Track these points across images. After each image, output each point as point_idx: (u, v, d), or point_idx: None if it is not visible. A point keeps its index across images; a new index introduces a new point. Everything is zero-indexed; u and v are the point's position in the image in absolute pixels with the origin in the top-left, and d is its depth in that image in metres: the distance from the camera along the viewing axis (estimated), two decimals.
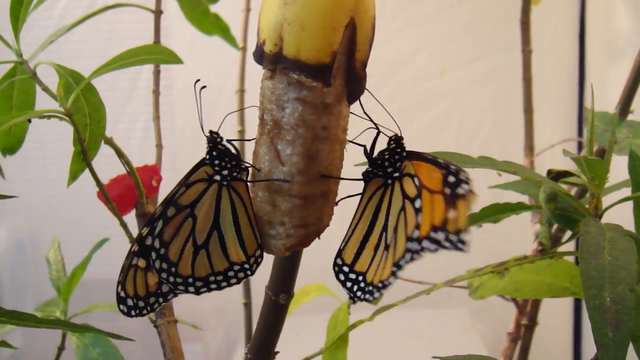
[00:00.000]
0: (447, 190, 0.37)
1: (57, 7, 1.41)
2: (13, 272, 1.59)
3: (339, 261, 0.41)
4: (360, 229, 0.40)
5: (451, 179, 0.37)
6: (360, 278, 0.40)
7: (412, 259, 0.38)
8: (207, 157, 0.39)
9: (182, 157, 1.42)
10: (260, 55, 0.36)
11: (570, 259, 0.58)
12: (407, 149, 0.40)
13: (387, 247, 0.39)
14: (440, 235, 0.37)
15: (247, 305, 0.93)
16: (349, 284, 0.40)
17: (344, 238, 0.40)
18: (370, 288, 0.40)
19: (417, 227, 0.38)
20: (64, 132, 0.53)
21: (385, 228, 0.40)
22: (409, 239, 0.38)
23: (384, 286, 0.40)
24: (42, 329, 0.47)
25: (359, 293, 0.40)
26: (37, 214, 1.56)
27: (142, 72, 1.41)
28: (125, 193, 0.61)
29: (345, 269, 0.40)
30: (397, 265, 0.39)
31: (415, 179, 0.39)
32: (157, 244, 0.39)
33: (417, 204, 0.38)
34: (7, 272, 1.58)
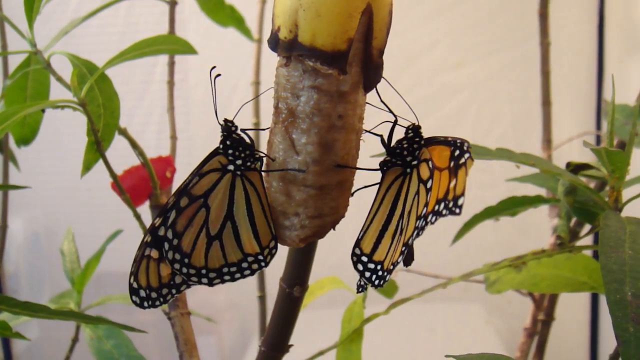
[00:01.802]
0: (452, 164, 0.40)
1: (73, 0, 1.41)
2: (29, 265, 1.60)
3: (357, 251, 0.40)
4: (379, 219, 0.40)
5: (457, 153, 0.40)
6: (379, 267, 0.40)
7: (418, 235, 0.40)
8: (221, 146, 0.39)
9: (197, 150, 1.42)
10: (275, 43, 0.35)
11: (589, 253, 0.58)
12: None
13: (401, 232, 0.40)
14: (441, 206, 0.41)
15: (262, 299, 0.93)
16: (367, 274, 0.40)
17: (362, 227, 0.40)
18: (384, 273, 0.40)
19: (426, 204, 0.39)
20: (80, 124, 0.53)
21: (402, 215, 0.39)
22: (419, 217, 0.40)
23: (394, 267, 0.40)
24: (57, 320, 0.47)
25: (377, 282, 0.40)
26: (52, 206, 1.57)
27: (157, 64, 1.41)
28: (139, 184, 0.61)
29: (364, 258, 0.40)
30: (406, 245, 0.40)
31: (430, 162, 0.39)
32: (169, 234, 0.39)
33: (429, 184, 0.39)
34: (23, 264, 1.59)
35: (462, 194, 0.41)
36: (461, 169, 0.40)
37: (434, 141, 0.40)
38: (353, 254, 0.40)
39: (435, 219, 0.41)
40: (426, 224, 0.41)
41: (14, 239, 1.54)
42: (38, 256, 1.62)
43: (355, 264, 0.40)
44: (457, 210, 0.41)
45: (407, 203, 0.39)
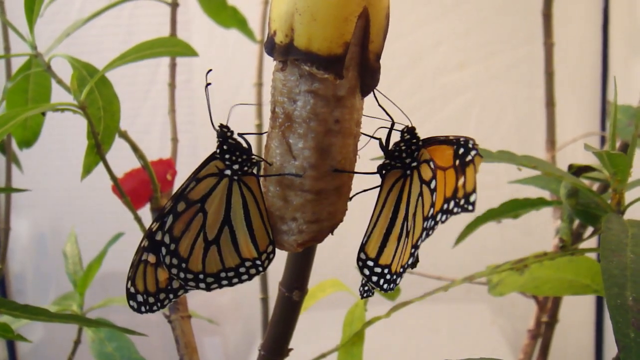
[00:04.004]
0: (457, 162, 0.40)
1: (77, 2, 1.41)
2: (35, 265, 1.61)
3: (363, 256, 0.40)
4: (382, 222, 0.39)
5: (461, 150, 0.40)
6: (386, 271, 0.40)
7: (427, 235, 0.40)
8: (218, 151, 0.39)
9: (201, 150, 1.42)
10: (271, 47, 0.35)
11: (592, 256, 0.57)
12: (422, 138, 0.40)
13: (407, 234, 0.39)
14: (451, 205, 0.41)
15: (264, 300, 0.93)
16: (374, 278, 0.40)
17: (366, 232, 0.40)
18: (395, 277, 0.40)
19: (432, 205, 0.39)
20: (84, 126, 0.53)
21: (406, 217, 0.39)
22: (426, 218, 0.39)
23: (404, 269, 0.40)
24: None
25: (385, 285, 0.40)
26: (58, 208, 1.57)
27: (160, 65, 1.41)
28: (140, 187, 0.61)
29: (370, 263, 0.40)
30: (415, 246, 0.40)
31: (431, 163, 0.39)
32: (167, 239, 0.39)
33: (432, 184, 0.39)
34: (29, 265, 1.60)
35: (474, 191, 0.41)
36: (469, 167, 0.41)
37: (433, 141, 0.40)
38: (358, 259, 0.40)
39: (446, 218, 0.41)
40: (435, 223, 0.41)
41: (20, 239, 1.55)
42: (44, 257, 1.62)
43: (361, 269, 0.40)
44: (470, 207, 0.41)
45: (411, 205, 0.39)
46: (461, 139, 0.40)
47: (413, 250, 0.40)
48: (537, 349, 0.77)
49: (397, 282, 0.40)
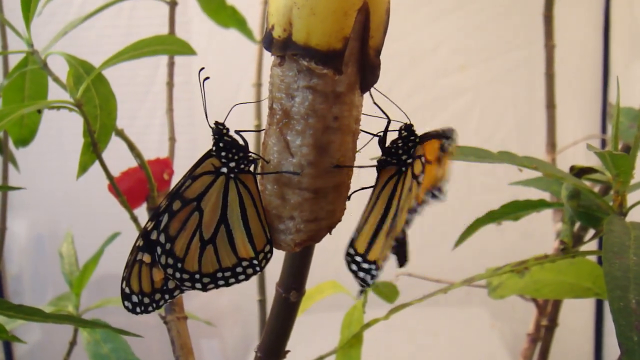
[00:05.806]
0: (441, 154, 0.37)
1: (75, 3, 1.40)
2: (32, 266, 1.60)
3: (351, 251, 0.39)
4: (374, 218, 0.39)
5: (445, 143, 0.37)
6: (373, 267, 0.39)
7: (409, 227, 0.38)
8: (214, 148, 0.38)
9: (200, 152, 1.41)
10: (269, 41, 0.34)
11: (593, 258, 0.57)
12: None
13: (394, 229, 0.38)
14: (429, 195, 0.37)
15: (262, 302, 0.92)
16: (361, 274, 0.39)
17: (357, 227, 0.39)
18: (377, 270, 0.39)
19: (417, 198, 0.37)
20: (81, 125, 0.53)
21: (397, 213, 0.38)
22: (410, 211, 0.37)
23: (384, 262, 0.38)
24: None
25: (370, 280, 0.39)
26: (56, 208, 1.56)
27: (159, 66, 1.41)
28: (136, 186, 0.60)
29: (358, 258, 0.39)
30: (397, 240, 0.38)
31: (422, 158, 0.38)
32: (162, 238, 0.38)
33: (421, 179, 0.37)
34: (27, 266, 1.59)
35: (446, 179, 0.36)
36: (445, 156, 0.37)
37: (427, 137, 0.39)
38: (347, 254, 0.39)
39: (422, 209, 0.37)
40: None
41: (18, 240, 1.54)
42: (41, 258, 1.62)
43: (349, 264, 0.39)
44: (440, 195, 0.36)
45: (402, 201, 0.38)
46: (447, 131, 0.37)
47: (395, 243, 0.38)
48: (536, 353, 0.77)
49: (378, 275, 0.39)
